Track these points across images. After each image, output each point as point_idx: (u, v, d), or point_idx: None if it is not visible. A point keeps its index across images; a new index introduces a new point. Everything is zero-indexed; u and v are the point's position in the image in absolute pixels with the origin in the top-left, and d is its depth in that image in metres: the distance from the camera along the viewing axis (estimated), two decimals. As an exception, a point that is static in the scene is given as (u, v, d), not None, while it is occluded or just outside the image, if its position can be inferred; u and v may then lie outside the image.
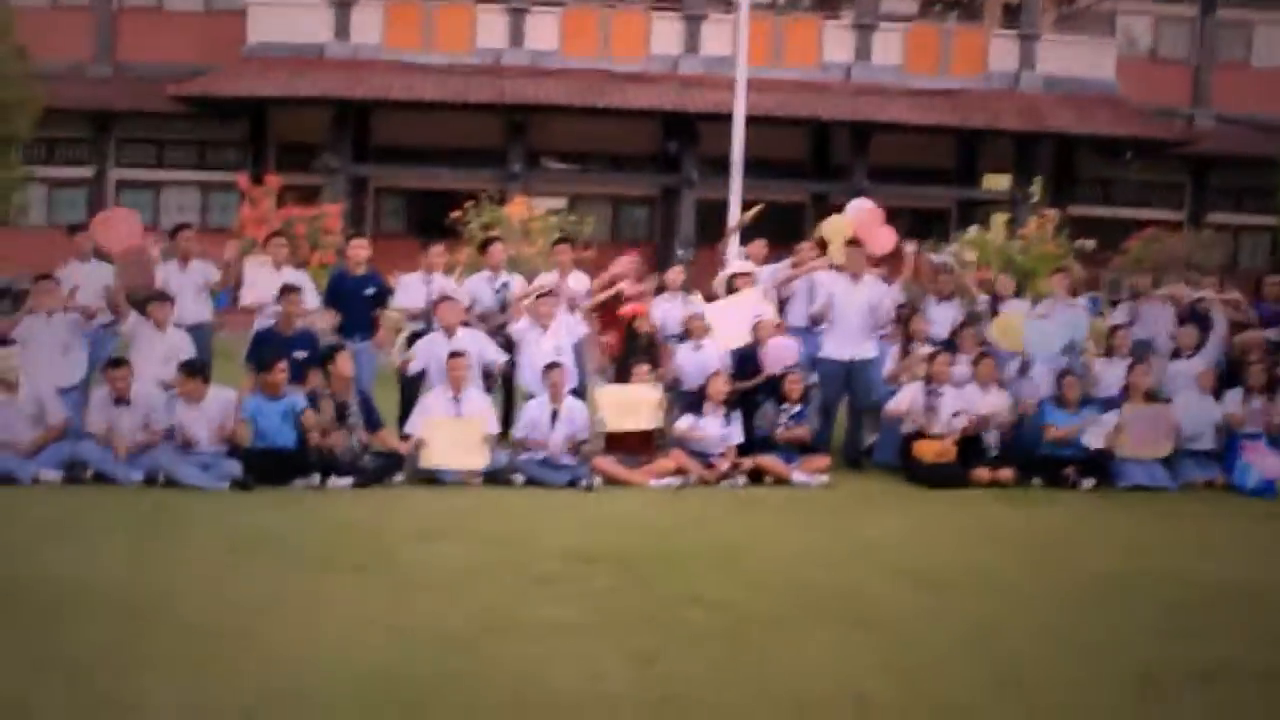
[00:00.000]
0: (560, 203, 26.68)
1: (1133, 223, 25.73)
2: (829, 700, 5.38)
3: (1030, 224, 20.14)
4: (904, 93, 25.84)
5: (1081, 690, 5.65)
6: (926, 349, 11.27)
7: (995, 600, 7.21)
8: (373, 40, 26.27)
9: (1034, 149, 26.74)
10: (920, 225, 26.28)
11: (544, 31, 26.49)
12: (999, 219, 26.91)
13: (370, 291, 11.50)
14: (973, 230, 19.81)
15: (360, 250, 11.72)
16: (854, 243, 11.71)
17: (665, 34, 26.59)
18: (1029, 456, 11.09)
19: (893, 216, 26.30)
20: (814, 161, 28.04)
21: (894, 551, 8.40)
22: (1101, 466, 11.03)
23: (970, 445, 10.99)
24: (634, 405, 10.74)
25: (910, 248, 12.29)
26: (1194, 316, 12.37)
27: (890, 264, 12.59)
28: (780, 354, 11.07)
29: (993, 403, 11.10)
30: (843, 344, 11.40)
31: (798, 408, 10.93)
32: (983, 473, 10.83)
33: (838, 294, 11.36)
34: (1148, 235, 21.52)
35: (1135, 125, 25.96)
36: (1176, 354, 11.99)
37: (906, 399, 11.04)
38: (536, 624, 6.34)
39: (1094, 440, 11.04)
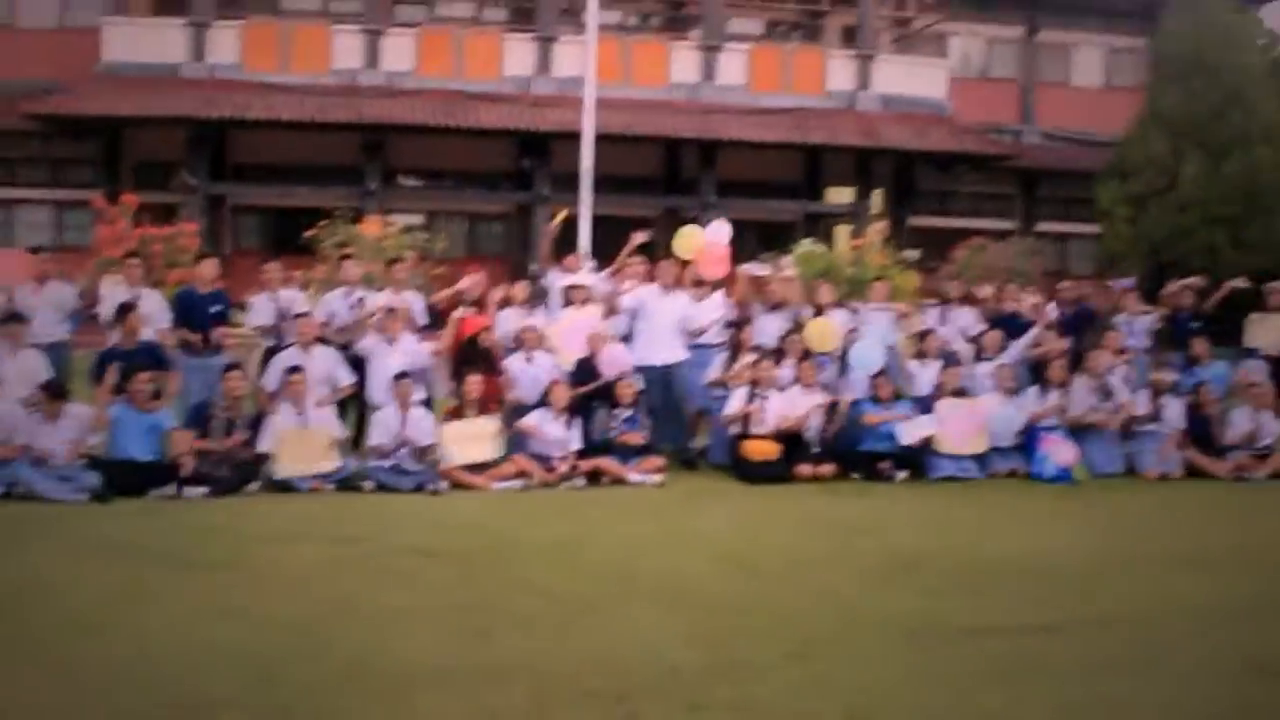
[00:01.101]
0: (417, 219, 27.19)
1: (968, 232, 27.01)
2: (642, 665, 6.05)
3: (862, 235, 21.14)
4: (748, 111, 26.82)
5: (860, 648, 6.43)
6: (752, 356, 12.06)
7: (801, 579, 7.98)
8: (229, 60, 26.52)
9: (873, 164, 27.91)
10: (768, 237, 27.35)
11: (399, 52, 26.97)
12: (842, 230, 28.12)
13: (216, 309, 11.96)
14: (806, 243, 20.74)
15: (208, 269, 12.21)
16: (674, 258, 12.52)
17: (518, 55, 27.26)
18: (849, 453, 11.94)
19: (741, 229, 27.29)
20: (665, 177, 28.88)
21: (716, 541, 9.12)
22: (914, 460, 11.94)
23: (794, 444, 11.80)
24: (476, 437, 11.29)
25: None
26: (1006, 321, 13.35)
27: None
28: (615, 361, 11.79)
29: (814, 403, 11.93)
30: (654, 349, 12.19)
31: (630, 412, 11.65)
32: (805, 469, 11.65)
33: (649, 302, 12.18)
34: (973, 244, 22.71)
35: (966, 141, 27.31)
36: (980, 356, 12.92)
37: (736, 404, 11.82)
38: (378, 610, 6.94)
39: (907, 437, 11.92)
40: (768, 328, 12.79)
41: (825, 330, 12.68)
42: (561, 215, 13.87)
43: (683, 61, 27.51)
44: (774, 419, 11.74)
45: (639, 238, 12.77)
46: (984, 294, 14.26)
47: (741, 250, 14.30)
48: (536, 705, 5.47)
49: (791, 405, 11.83)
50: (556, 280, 12.93)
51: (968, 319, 13.47)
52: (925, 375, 12.51)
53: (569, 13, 28.11)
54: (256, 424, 10.99)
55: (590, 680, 5.80)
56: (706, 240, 12.98)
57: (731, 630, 6.75)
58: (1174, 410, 12.43)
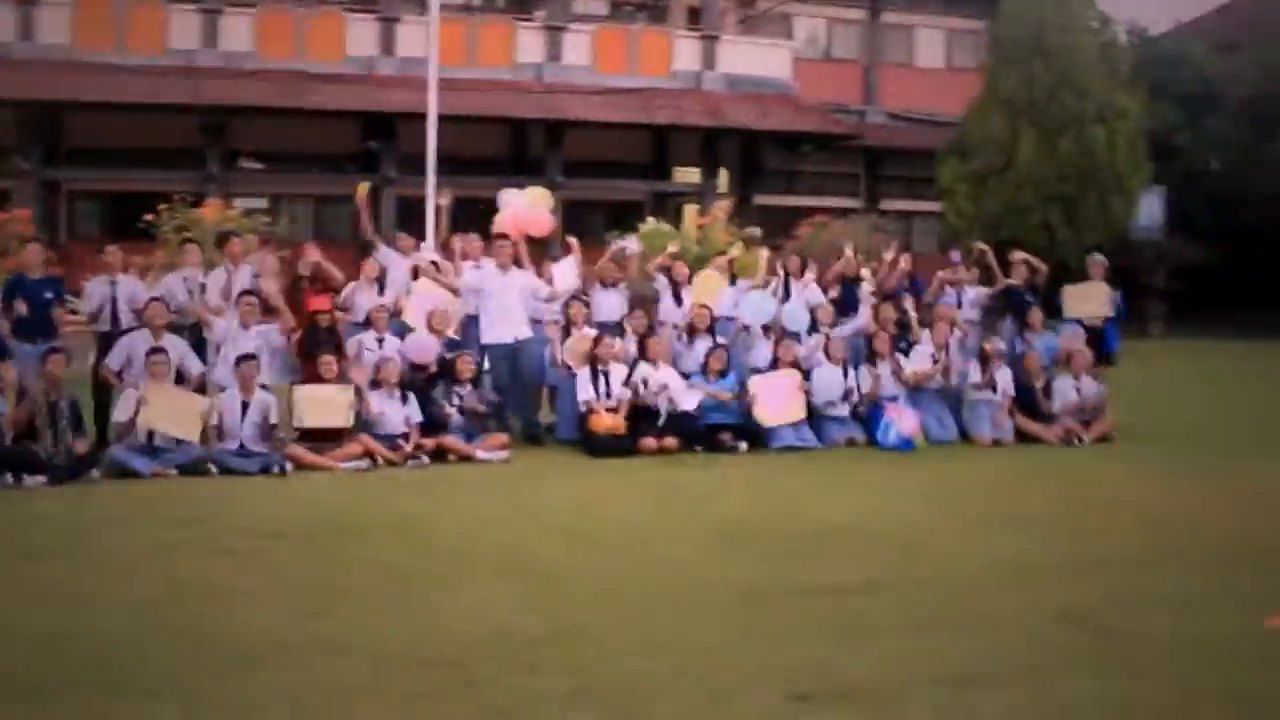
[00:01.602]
0: (261, 203, 26.85)
1: (815, 210, 27.47)
2: (480, 634, 6.16)
3: (708, 214, 21.37)
4: (594, 91, 26.94)
5: (693, 610, 6.64)
6: (589, 332, 12.22)
7: (641, 548, 8.16)
8: (62, 40, 25.79)
9: (719, 143, 28.24)
10: (616, 217, 27.55)
11: (238, 33, 26.51)
12: (690, 209, 28.42)
13: (49, 294, 11.72)
14: (651, 221, 20.96)
15: (34, 254, 11.99)
16: (501, 236, 12.65)
17: (361, 35, 26.99)
18: (692, 426, 12.16)
19: (590, 209, 27.34)
20: (512, 158, 28.87)
21: (560, 514, 9.27)
22: (755, 431, 12.21)
23: (641, 417, 11.99)
24: (329, 404, 11.27)
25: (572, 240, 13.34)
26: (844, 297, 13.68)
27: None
28: (421, 348, 11.89)
29: (663, 376, 12.13)
30: (502, 328, 12.29)
31: (469, 388, 11.73)
32: (650, 442, 11.84)
33: (490, 280, 12.28)
34: (816, 221, 23.16)
35: (810, 121, 27.77)
36: (816, 329, 13.20)
37: (586, 386, 11.96)
38: (219, 589, 6.95)
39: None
40: (605, 304, 12.95)
41: (710, 281, 12.90)
42: (365, 187, 13.82)
43: (528, 42, 27.51)
44: (620, 393, 11.93)
45: (442, 201, 12.86)
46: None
47: (588, 229, 14.67)
48: (375, 675, 5.55)
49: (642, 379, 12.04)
50: (390, 257, 12.95)
51: (812, 292, 13.76)
52: (764, 349, 12.75)
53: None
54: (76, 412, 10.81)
55: (429, 650, 5.91)
56: (512, 210, 13.19)
57: (570, 598, 6.91)
58: (1005, 378, 12.87)
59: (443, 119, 22.32)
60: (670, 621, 6.45)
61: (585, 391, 11.94)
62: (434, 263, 12.68)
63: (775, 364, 12.51)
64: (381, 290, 12.64)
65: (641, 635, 6.20)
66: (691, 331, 12.81)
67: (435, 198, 12.84)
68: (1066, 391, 12.98)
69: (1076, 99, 26.05)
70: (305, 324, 11.89)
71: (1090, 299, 14.19)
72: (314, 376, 11.42)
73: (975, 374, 12.82)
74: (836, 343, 12.70)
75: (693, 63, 28.12)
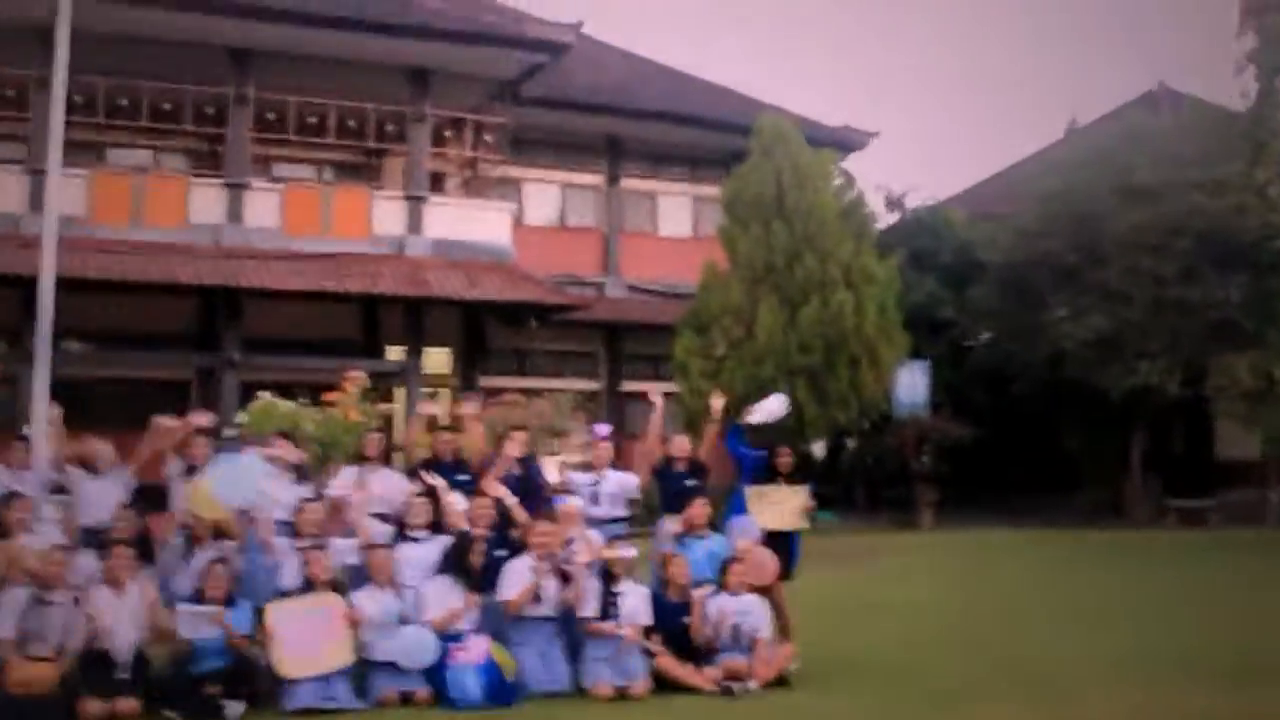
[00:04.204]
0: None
1: (551, 393, 24.22)
2: None
3: (339, 391, 17.78)
4: (280, 256, 23.42)
5: None
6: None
7: None
8: None
9: (431, 317, 24.92)
10: (314, 402, 23.95)
11: None
12: (400, 391, 24.99)
13: None
14: (266, 395, 17.53)
15: None
16: None
17: (6, 190, 23.18)
18: (173, 677, 8.51)
19: (282, 393, 23.51)
20: (198, 333, 25.13)
21: None
22: (251, 683, 8.57)
23: (96, 667, 8.32)
24: None
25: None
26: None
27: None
28: None
29: (124, 604, 8.55)
30: None
31: None
32: (95, 706, 8.12)
33: None
34: (507, 401, 20.07)
35: (526, 290, 24.52)
36: (404, 535, 9.75)
37: (9, 618, 8.30)
38: None
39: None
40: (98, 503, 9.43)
41: (203, 493, 9.38)
42: None
43: (204, 201, 23.91)
44: (61, 633, 8.28)
45: None
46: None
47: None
48: None
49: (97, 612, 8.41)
50: None
51: (393, 482, 10.38)
52: (291, 566, 9.22)
53: (84, 146, 24.45)
54: None
55: None
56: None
57: None
58: (635, 601, 9.51)
59: (103, 285, 19.08)
60: None
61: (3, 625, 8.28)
62: None
63: (309, 584, 8.99)
64: None
65: None
66: (195, 541, 9.27)
67: None
68: (720, 616, 9.62)
69: (819, 263, 23.47)
70: None
71: (780, 506, 11.09)
72: None
73: (591, 599, 9.43)
74: (378, 556, 9.23)
75: (396, 227, 24.80)
